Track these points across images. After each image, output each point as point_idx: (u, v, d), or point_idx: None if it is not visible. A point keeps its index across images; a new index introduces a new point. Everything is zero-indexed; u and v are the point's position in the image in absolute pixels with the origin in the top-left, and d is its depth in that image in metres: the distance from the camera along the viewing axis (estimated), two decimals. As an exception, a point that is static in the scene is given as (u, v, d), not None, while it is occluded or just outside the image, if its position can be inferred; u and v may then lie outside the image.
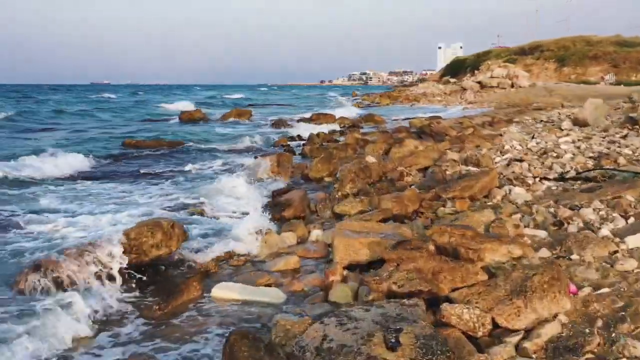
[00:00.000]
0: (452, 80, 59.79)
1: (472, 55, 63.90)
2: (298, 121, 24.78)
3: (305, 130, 20.96)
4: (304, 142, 16.52)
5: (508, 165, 9.29)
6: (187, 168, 11.53)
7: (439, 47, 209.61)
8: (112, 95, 62.58)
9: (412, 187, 8.24)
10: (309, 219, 7.38)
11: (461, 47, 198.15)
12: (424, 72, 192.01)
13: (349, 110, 38.28)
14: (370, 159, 11.26)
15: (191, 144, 15.70)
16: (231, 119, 25.17)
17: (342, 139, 18.02)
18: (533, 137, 12.13)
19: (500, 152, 10.78)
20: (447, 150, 11.31)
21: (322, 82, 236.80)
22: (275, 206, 7.68)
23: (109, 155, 13.57)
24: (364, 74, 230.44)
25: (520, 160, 9.46)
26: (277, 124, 22.54)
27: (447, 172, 9.58)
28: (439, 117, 26.90)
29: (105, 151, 14.24)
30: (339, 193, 8.31)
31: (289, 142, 16.05)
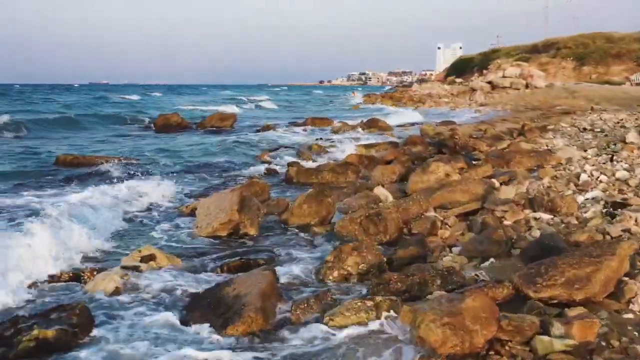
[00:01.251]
0: (458, 80, 56.19)
1: (479, 54, 60.28)
2: (289, 125, 21.26)
3: (295, 138, 17.42)
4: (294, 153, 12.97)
5: (608, 213, 5.74)
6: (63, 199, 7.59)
7: (439, 48, 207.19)
8: (134, 97, 53.82)
9: (472, 275, 4.65)
10: (274, 336, 3.83)
11: (461, 48, 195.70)
12: (423, 73, 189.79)
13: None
14: (382, 192, 7.72)
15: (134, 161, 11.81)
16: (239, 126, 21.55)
17: (341, 150, 14.52)
18: (612, 159, 8.54)
19: (576, 185, 7.23)
20: (493, 180, 7.75)
21: (321, 82, 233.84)
22: (214, 307, 4.13)
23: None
24: (363, 74, 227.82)
25: (624, 205, 5.90)
26: (263, 130, 18.96)
27: (506, 223, 6.04)
28: (453, 123, 23.39)
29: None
30: (335, 273, 4.75)
31: (270, 159, 12.49)
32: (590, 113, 23.33)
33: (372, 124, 21.93)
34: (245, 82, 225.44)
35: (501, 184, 7.72)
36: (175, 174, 9.96)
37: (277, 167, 11.21)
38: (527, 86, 38.28)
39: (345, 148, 15.17)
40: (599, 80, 36.08)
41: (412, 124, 24.40)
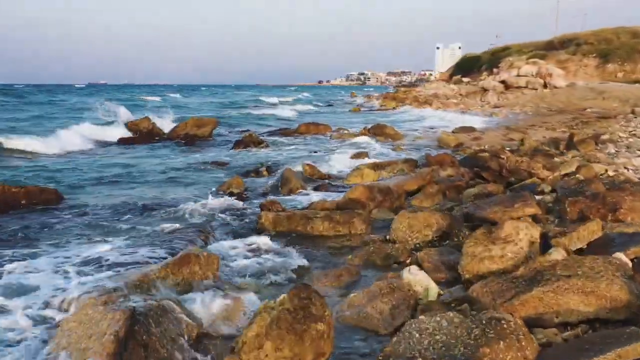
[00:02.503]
0: (465, 79, 52.61)
1: (485, 52, 56.75)
2: (270, 134, 17.66)
3: (283, 152, 13.85)
4: (274, 181, 9.38)
5: None
6: None
7: (437, 48, 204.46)
8: (154, 98, 48.60)
9: None
10: None
11: (460, 47, 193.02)
12: (422, 73, 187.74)
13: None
14: (418, 281, 4.19)
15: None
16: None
17: (340, 169, 10.95)
18: None
19: None
20: (625, 260, 4.19)
21: (320, 82, 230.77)
22: None
23: None
24: (362, 74, 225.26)
25: None
26: (243, 142, 15.31)
27: None
28: (472, 129, 19.85)
29: None
30: None
31: (240, 189, 8.86)
32: (633, 117, 19.81)
33: (377, 131, 18.35)
34: (246, 82, 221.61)
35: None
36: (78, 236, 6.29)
37: (246, 207, 7.61)
38: (545, 86, 34.72)
39: (344, 162, 11.64)
40: (626, 80, 32.52)
41: (426, 130, 20.83)
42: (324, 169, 10.85)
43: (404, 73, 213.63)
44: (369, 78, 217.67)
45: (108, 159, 13.03)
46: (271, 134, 18.35)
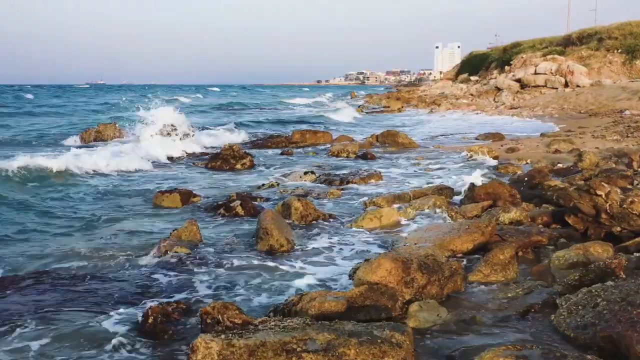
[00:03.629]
0: (474, 78, 49.43)
1: (495, 48, 53.57)
2: (255, 145, 14.41)
3: (267, 174, 10.64)
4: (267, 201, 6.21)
5: None
6: None
7: (437, 47, 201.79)
8: (184, 98, 46.26)
9: None
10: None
11: (459, 47, 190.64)
12: (421, 72, 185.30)
13: (348, 117, 28.08)
14: None
15: None
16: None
17: (349, 202, 7.79)
18: None
19: None
20: None
21: (318, 82, 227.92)
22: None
23: None
24: (361, 73, 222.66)
25: None
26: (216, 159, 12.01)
27: None
28: (500, 136, 16.65)
29: None
30: None
31: (181, 250, 5.58)
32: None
33: (388, 140, 15.16)
34: (244, 82, 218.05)
35: None
36: None
37: (190, 293, 4.38)
38: (566, 84, 31.52)
39: (351, 191, 8.48)
40: (658, 77, 29.31)
41: (444, 136, 17.61)
42: (324, 202, 7.66)
43: (403, 72, 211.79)
44: (368, 78, 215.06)
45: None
46: (255, 144, 15.09)
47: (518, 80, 34.23)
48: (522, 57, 40.38)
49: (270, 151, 13.60)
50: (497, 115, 27.56)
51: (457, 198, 7.65)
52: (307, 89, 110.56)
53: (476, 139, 16.59)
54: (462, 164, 11.17)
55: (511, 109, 29.88)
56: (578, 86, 30.54)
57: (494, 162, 11.24)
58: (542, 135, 16.06)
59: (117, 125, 17.01)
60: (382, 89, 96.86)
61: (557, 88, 31.54)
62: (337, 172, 10.05)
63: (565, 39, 39.67)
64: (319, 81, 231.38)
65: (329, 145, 14.36)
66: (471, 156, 12.09)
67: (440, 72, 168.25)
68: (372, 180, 9.29)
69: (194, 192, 8.30)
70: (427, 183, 8.95)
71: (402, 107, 36.21)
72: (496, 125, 21.93)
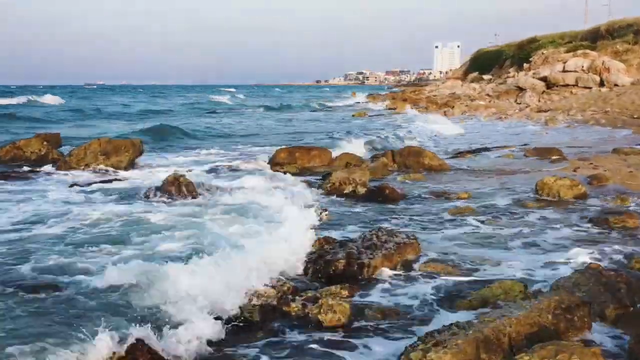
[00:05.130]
0: (486, 77, 45.19)
1: (509, 44, 49.34)
2: (218, 172, 10.02)
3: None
4: None
5: None
6: None
7: (436, 47, 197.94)
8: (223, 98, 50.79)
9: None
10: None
11: (458, 46, 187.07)
12: (421, 72, 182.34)
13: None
14: None
15: None
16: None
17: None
18: None
19: None
20: None
21: (317, 81, 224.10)
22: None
23: None
24: (361, 73, 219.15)
25: None
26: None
27: None
28: (557, 151, 12.46)
29: None
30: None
31: None
32: None
33: (409, 159, 10.92)
34: (243, 82, 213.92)
35: None
36: None
37: None
38: (601, 83, 27.30)
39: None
40: None
41: (475, 152, 13.33)
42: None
43: (402, 72, 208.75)
44: (367, 77, 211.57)
45: None
46: (218, 172, 10.64)
47: (543, 79, 29.98)
48: (542, 53, 36.16)
49: (237, 182, 9.24)
50: (525, 120, 23.32)
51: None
52: (327, 89, 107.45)
53: (525, 156, 12.36)
54: (538, 216, 6.89)
55: (539, 112, 25.64)
56: (616, 85, 26.33)
57: (582, 202, 6.96)
58: (619, 151, 11.77)
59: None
60: (384, 89, 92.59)
61: (590, 87, 27.30)
62: (339, 237, 5.76)
63: (592, 32, 35.46)
64: (318, 81, 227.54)
65: (328, 172, 10.05)
66: (541, 193, 7.86)
67: (440, 72, 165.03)
68: (409, 255, 5.08)
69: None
70: (494, 275, 4.68)
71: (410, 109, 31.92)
72: (530, 134, 17.72)
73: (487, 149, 14.10)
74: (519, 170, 10.35)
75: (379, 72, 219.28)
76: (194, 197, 7.59)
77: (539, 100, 28.68)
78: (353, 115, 29.35)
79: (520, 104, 29.26)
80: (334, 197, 8.06)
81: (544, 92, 29.26)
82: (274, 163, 10.72)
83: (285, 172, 9.86)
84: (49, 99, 43.92)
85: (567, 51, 34.30)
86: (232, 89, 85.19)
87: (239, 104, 46.59)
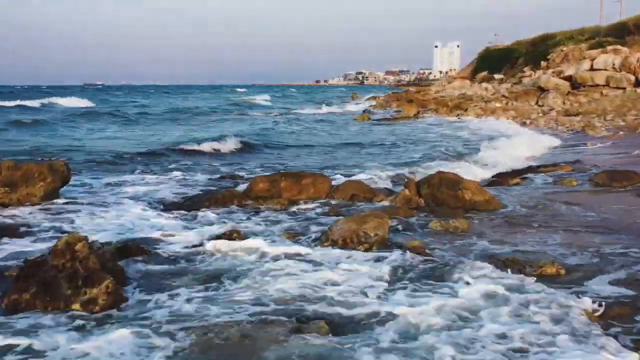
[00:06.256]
0: (498, 76, 42.03)
1: (521, 41, 46.29)
2: (173, 211, 6.71)
3: None
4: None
5: None
6: None
7: (436, 46, 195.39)
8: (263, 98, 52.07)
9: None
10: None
11: (458, 46, 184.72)
12: (421, 72, 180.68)
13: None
14: None
15: None
16: None
17: None
18: None
19: None
20: None
21: (317, 81, 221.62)
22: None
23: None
24: (360, 73, 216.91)
25: None
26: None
27: None
28: (629, 174, 9.32)
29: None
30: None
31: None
32: None
33: (440, 193, 7.79)
34: (243, 82, 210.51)
35: None
36: None
37: None
38: (636, 83, 24.15)
39: None
40: None
41: (522, 174, 10.12)
42: None
43: (402, 72, 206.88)
44: (367, 77, 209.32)
45: None
46: (174, 209, 7.34)
47: (568, 78, 26.81)
48: (561, 50, 33.05)
49: (196, 231, 6.03)
50: (554, 125, 20.13)
51: None
52: (343, 88, 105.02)
53: (590, 180, 9.16)
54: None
55: (568, 115, 22.49)
56: (654, 85, 23.19)
57: None
58: None
59: None
60: (386, 89, 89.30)
61: (624, 88, 24.16)
62: None
63: (616, 27, 32.35)
64: (317, 81, 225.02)
65: (326, 211, 6.87)
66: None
67: (440, 72, 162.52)
68: None
69: None
70: None
71: (419, 112, 28.81)
72: (571, 145, 14.56)
73: (531, 169, 10.93)
74: (602, 211, 7.14)
75: (378, 72, 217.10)
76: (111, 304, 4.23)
77: (564, 103, 25.53)
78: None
79: (542, 106, 26.09)
80: (335, 268, 4.85)
81: (569, 92, 26.11)
82: (248, 199, 7.50)
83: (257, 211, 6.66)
84: (74, 101, 40.71)
85: (589, 48, 31.19)
86: (244, 89, 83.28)
87: (279, 107, 42.22)
